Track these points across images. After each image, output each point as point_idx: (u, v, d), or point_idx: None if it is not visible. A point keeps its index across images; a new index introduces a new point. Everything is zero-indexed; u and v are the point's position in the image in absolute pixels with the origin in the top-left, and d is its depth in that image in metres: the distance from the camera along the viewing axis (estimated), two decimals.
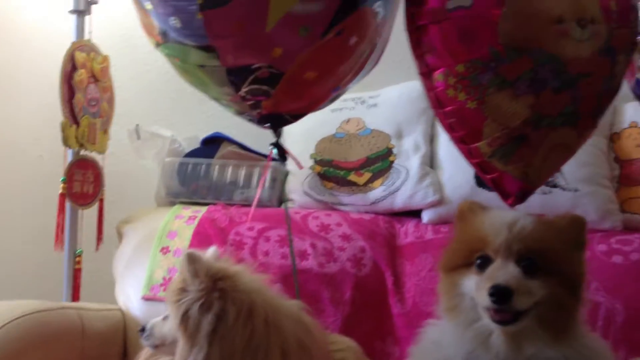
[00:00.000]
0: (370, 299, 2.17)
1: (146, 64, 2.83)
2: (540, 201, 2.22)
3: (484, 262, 1.24)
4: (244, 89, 1.56)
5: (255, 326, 1.47)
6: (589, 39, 1.53)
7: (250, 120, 1.76)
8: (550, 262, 1.23)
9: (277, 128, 1.73)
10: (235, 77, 1.55)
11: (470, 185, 2.31)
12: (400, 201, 2.40)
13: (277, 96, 1.58)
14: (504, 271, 1.20)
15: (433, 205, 2.35)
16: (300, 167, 2.22)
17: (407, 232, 2.33)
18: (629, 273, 2.00)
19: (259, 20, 1.44)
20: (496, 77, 1.47)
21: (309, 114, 1.82)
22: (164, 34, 1.54)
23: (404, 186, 2.41)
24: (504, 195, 1.62)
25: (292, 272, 2.17)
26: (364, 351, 1.85)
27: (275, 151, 1.77)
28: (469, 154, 1.61)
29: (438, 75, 1.52)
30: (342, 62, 1.58)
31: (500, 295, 1.17)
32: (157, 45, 1.60)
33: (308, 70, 1.54)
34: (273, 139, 2.63)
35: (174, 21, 1.48)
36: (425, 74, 1.57)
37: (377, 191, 2.42)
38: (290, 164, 2.57)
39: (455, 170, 2.36)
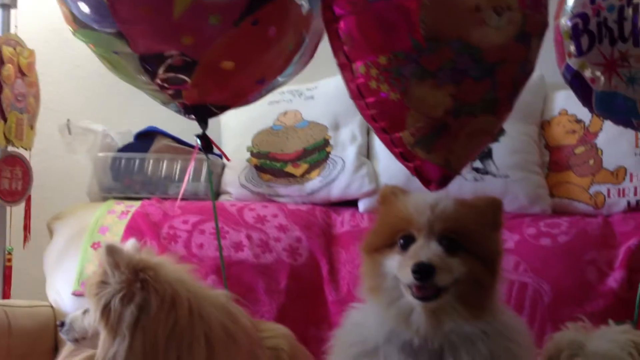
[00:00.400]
0: (305, 288, 2.17)
1: (78, 58, 2.76)
2: (472, 188, 2.26)
3: (407, 242, 1.25)
4: (159, 77, 1.54)
5: (179, 316, 1.45)
6: (505, 26, 1.54)
7: (177, 111, 1.74)
8: (469, 241, 1.25)
9: (202, 119, 1.71)
10: (149, 64, 1.53)
11: (405, 174, 2.32)
12: (336, 191, 2.41)
13: (196, 85, 1.56)
14: (426, 249, 1.21)
15: (369, 194, 2.36)
16: (228, 159, 2.21)
17: (343, 221, 2.34)
18: (556, 255, 2.05)
19: (166, 7, 1.43)
20: (418, 68, 1.48)
21: (238, 106, 1.81)
22: (77, 20, 1.52)
23: (340, 176, 2.42)
24: (426, 182, 1.64)
25: (227, 263, 2.16)
26: (299, 338, 1.85)
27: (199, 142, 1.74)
28: (392, 144, 1.62)
29: (360, 67, 1.52)
30: (262, 53, 1.56)
31: (423, 272, 1.18)
32: (74, 32, 1.57)
33: (224, 59, 1.53)
34: (210, 133, 2.68)
35: (82, 7, 1.47)
36: (345, 65, 1.57)
37: (314, 182, 2.43)
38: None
39: (391, 160, 2.34)
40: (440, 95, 1.50)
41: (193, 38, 1.47)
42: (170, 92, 1.59)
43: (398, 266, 1.24)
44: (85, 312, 1.54)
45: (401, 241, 1.26)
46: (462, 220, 1.25)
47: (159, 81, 1.56)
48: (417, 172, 1.62)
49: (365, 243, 1.33)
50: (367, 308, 1.34)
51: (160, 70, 1.53)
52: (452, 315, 1.24)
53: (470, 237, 1.25)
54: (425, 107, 1.50)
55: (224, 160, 2.56)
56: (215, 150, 1.89)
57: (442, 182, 1.63)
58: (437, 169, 1.61)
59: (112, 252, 1.45)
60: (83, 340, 1.55)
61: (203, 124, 1.71)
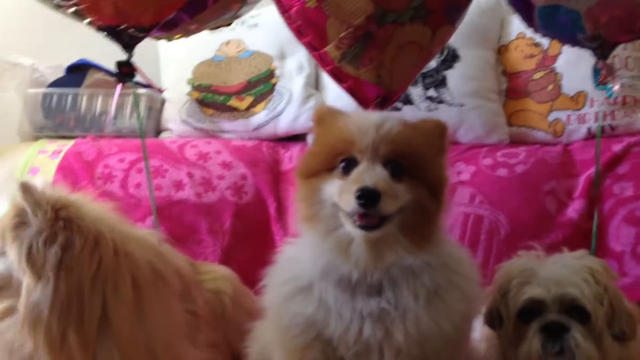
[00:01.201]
0: (251, 227, 2.06)
1: None
2: (426, 117, 2.15)
3: (349, 165, 1.13)
4: None
5: (103, 255, 1.34)
6: None
7: (105, 36, 1.58)
8: (416, 166, 1.14)
9: (127, 45, 1.55)
10: None
11: (355, 106, 2.21)
12: (283, 125, 2.29)
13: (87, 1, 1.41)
14: (371, 173, 1.10)
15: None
16: (159, 91, 2.06)
17: (291, 157, 2.22)
18: (513, 186, 1.96)
19: None
20: None
21: (165, 33, 1.65)
22: None
23: (287, 109, 2.30)
24: (364, 103, 1.52)
25: (167, 204, 2.05)
26: (246, 280, 1.75)
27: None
28: (322, 61, 1.50)
29: None
30: None
31: (368, 197, 1.07)
32: None
33: None
34: (149, 66, 2.51)
35: None
36: None
37: (260, 116, 2.31)
38: (166, 91, 2.42)
39: (341, 90, 2.25)
40: (359, 0, 1.38)
41: None
42: (70, 9, 1.42)
43: (339, 192, 1.13)
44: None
45: (342, 164, 1.14)
46: (409, 143, 1.15)
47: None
48: (352, 92, 1.50)
49: (300, 167, 1.22)
50: (302, 241, 1.23)
51: None
52: (395, 247, 1.14)
53: (417, 161, 1.15)
54: (344, 13, 1.39)
55: (164, 94, 2.41)
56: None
57: (380, 103, 1.51)
58: (371, 87, 1.50)
59: (28, 189, 1.32)
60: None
61: (127, 49, 1.54)
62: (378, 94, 1.50)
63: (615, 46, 1.59)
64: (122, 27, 1.52)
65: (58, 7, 1.45)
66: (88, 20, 1.48)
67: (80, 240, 1.32)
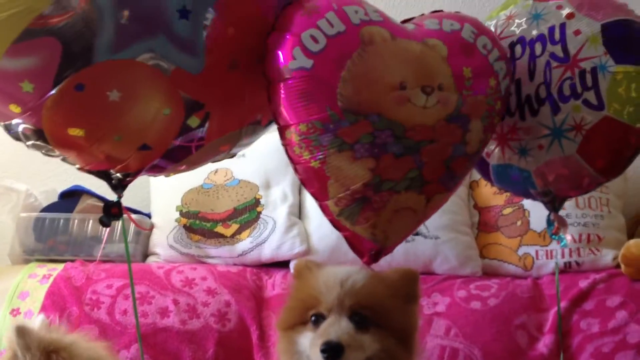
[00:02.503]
0: (234, 355, 2.11)
1: None
2: (402, 249, 2.24)
3: (318, 319, 1.23)
4: (28, 144, 1.48)
5: None
6: (435, 106, 1.52)
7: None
8: (381, 317, 1.23)
9: (114, 185, 1.64)
10: (10, 131, 1.47)
11: (337, 235, 2.30)
12: (267, 252, 2.37)
13: (65, 152, 1.48)
14: (336, 327, 1.19)
15: (300, 255, 2.33)
16: (144, 229, 2.13)
17: (274, 283, 2.29)
18: (486, 319, 2.04)
19: None
20: (336, 139, 1.46)
21: (155, 174, 1.74)
22: None
23: (271, 237, 2.38)
24: (359, 254, 1.61)
25: (152, 331, 2.09)
26: None
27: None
28: (323, 210, 1.60)
29: (287, 132, 1.50)
30: (111, 119, 1.41)
31: (332, 351, 1.16)
32: None
33: (68, 127, 1.41)
34: (140, 191, 2.61)
35: None
36: (281, 128, 1.54)
37: (245, 243, 2.39)
38: (155, 217, 2.51)
39: (323, 219, 2.32)
40: (358, 168, 1.48)
41: (18, 106, 1.37)
42: (57, 157, 1.52)
43: (310, 345, 1.22)
44: None
45: (312, 318, 1.24)
46: (373, 295, 1.24)
47: (32, 148, 1.49)
48: (349, 242, 1.60)
49: (279, 320, 1.31)
50: None
51: (22, 138, 1.46)
52: None
53: (382, 312, 1.24)
54: (343, 177, 1.48)
55: (153, 219, 2.50)
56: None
57: (375, 256, 1.60)
58: (366, 241, 1.58)
59: (22, 333, 1.38)
60: None
61: (116, 190, 1.63)
62: (372, 247, 1.56)
63: (564, 200, 1.73)
64: (109, 171, 1.61)
65: (47, 155, 1.54)
66: (77, 166, 1.56)
67: None
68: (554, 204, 1.71)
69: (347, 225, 1.55)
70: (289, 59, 1.44)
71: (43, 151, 1.52)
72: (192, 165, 1.75)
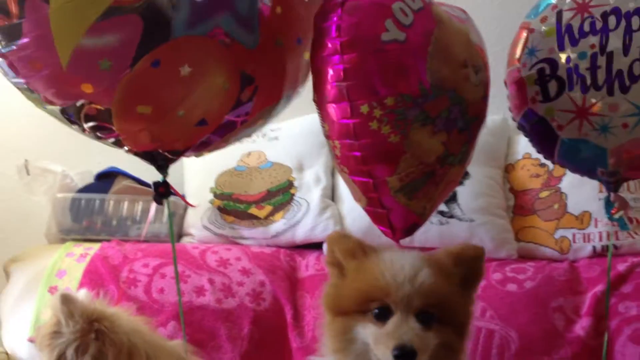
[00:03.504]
0: (269, 334, 2.12)
1: None
2: (437, 231, 2.25)
3: (383, 313, 1.20)
4: (85, 127, 1.50)
5: None
6: (479, 85, 1.59)
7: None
8: (446, 314, 1.21)
9: (159, 166, 1.66)
10: (69, 115, 1.50)
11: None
12: (301, 234, 2.38)
13: (125, 132, 1.51)
14: (406, 328, 1.16)
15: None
16: (191, 205, 2.16)
17: (308, 264, 2.30)
18: (522, 301, 2.03)
19: (51, 58, 1.37)
20: (421, 113, 1.48)
21: (195, 151, 1.75)
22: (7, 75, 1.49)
23: (304, 219, 2.39)
24: (391, 230, 1.62)
25: (188, 309, 2.11)
26: None
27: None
28: (372, 188, 1.59)
29: (362, 107, 1.49)
30: (180, 94, 1.47)
31: (406, 357, 1.14)
32: None
33: (138, 104, 1.45)
34: (174, 174, 2.63)
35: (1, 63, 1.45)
36: (341, 103, 1.52)
37: (278, 224, 2.39)
38: (189, 198, 2.53)
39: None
40: (434, 142, 1.51)
41: (92, 85, 1.42)
42: (110, 140, 1.54)
43: (374, 340, 1.19)
44: None
45: (376, 311, 1.20)
46: (441, 294, 1.21)
47: (89, 131, 1.51)
48: (382, 219, 1.60)
49: (330, 303, 1.27)
50: None
51: (82, 121, 1.49)
52: None
53: (447, 309, 1.21)
54: (420, 151, 1.51)
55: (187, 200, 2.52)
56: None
57: (410, 230, 1.61)
58: (410, 217, 1.60)
59: (66, 301, 1.40)
60: None
61: (161, 170, 1.65)
62: (412, 222, 1.60)
63: (627, 180, 1.70)
64: (156, 151, 1.63)
65: (98, 138, 1.56)
66: (126, 148, 1.58)
67: (113, 352, 1.39)
68: (617, 184, 1.66)
69: (400, 200, 1.56)
70: (381, 29, 1.45)
71: (99, 133, 1.54)
72: (230, 142, 1.78)
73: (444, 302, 1.20)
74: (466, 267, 1.26)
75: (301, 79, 1.72)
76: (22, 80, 1.46)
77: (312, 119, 2.50)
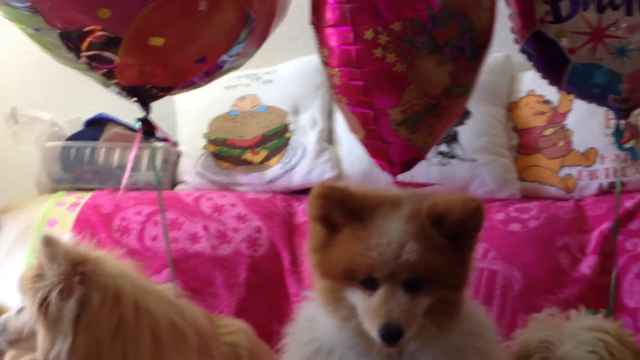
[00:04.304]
0: (266, 280, 2.08)
1: (24, 44, 2.59)
2: (438, 172, 2.19)
3: (370, 282, 1.12)
4: (84, 55, 1.44)
5: (124, 311, 1.36)
6: (489, 10, 1.52)
7: (118, 93, 1.63)
8: (436, 277, 1.13)
9: (144, 102, 1.60)
10: (70, 41, 1.43)
11: (368, 160, 2.25)
12: (297, 178, 2.32)
13: (125, 64, 1.46)
14: (393, 303, 1.09)
15: (332, 181, 2.27)
16: (175, 145, 2.10)
17: (305, 209, 2.22)
18: (526, 241, 1.98)
19: None
20: (429, 41, 1.41)
21: (184, 88, 1.70)
22: None
23: (301, 163, 2.33)
24: (390, 165, 1.55)
25: (183, 256, 2.07)
26: (260, 333, 1.76)
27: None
28: (372, 120, 1.52)
29: (367, 32, 1.41)
30: (195, 28, 1.46)
31: (392, 336, 1.08)
32: None
33: (152, 36, 1.43)
34: (167, 120, 2.56)
35: None
36: (344, 27, 1.45)
37: (274, 169, 2.33)
38: (183, 144, 2.47)
39: (354, 144, 2.27)
40: (442, 72, 1.44)
41: (110, 11, 1.38)
42: (102, 71, 1.48)
43: (361, 310, 1.13)
44: (20, 310, 1.43)
45: (362, 278, 1.13)
46: (428, 265, 1.12)
47: (85, 59, 1.45)
48: (379, 153, 1.53)
49: (318, 266, 1.19)
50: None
51: (83, 48, 1.43)
52: (421, 335, 1.14)
53: (437, 276, 1.13)
54: (426, 82, 1.44)
55: (180, 147, 2.46)
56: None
57: (409, 165, 1.55)
58: (411, 151, 1.54)
59: (48, 243, 1.35)
60: (19, 342, 1.44)
61: (145, 107, 1.59)
62: (415, 156, 1.55)
63: (638, 107, 1.60)
64: (143, 86, 1.57)
65: (91, 68, 1.49)
66: (114, 81, 1.52)
67: (98, 296, 1.35)
68: (629, 111, 1.57)
69: (402, 134, 1.50)
70: None
71: (95, 63, 1.49)
72: (212, 81, 1.74)
73: (431, 271, 1.12)
74: (454, 228, 1.13)
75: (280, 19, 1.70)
76: None
77: (308, 60, 2.45)
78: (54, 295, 1.33)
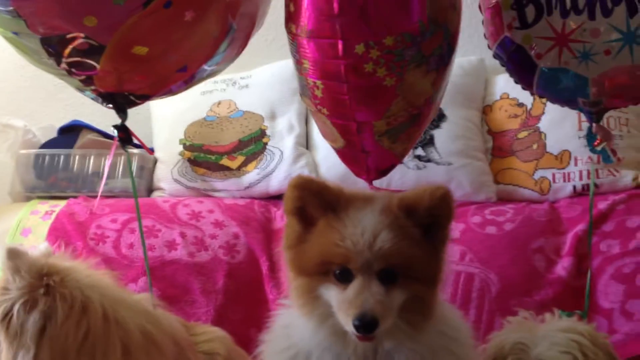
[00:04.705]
0: (244, 287, 2.06)
1: None
2: (414, 176, 2.20)
3: (344, 275, 1.13)
4: (65, 61, 1.43)
5: (91, 323, 1.34)
6: (459, 11, 1.53)
7: (94, 99, 1.62)
8: (410, 268, 1.14)
9: (120, 108, 1.59)
10: (51, 47, 1.42)
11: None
12: (275, 184, 2.32)
13: (106, 72, 1.45)
14: (367, 294, 1.09)
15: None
16: (150, 152, 2.09)
17: (283, 215, 2.23)
18: (502, 243, 1.99)
19: None
20: (418, 53, 1.41)
21: (161, 96, 1.69)
22: None
23: (278, 168, 2.32)
24: (367, 172, 1.56)
25: (160, 263, 2.05)
26: (239, 340, 1.75)
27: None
28: (355, 131, 1.52)
29: (358, 47, 1.40)
30: (179, 38, 1.46)
31: (366, 326, 1.08)
32: None
33: (136, 44, 1.42)
34: (142, 126, 2.54)
35: None
36: (331, 41, 1.43)
37: (251, 175, 2.33)
38: (158, 151, 2.45)
39: (331, 149, 2.27)
40: (425, 83, 1.45)
41: (97, 19, 1.37)
42: (80, 77, 1.46)
43: (336, 304, 1.13)
44: None
45: (337, 271, 1.14)
46: (402, 253, 1.13)
47: (65, 66, 1.43)
48: (363, 162, 1.54)
49: (292, 262, 1.20)
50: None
51: (65, 54, 1.42)
52: (395, 334, 1.16)
53: (411, 267, 1.14)
54: (411, 94, 1.44)
55: (156, 154, 2.44)
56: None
57: (386, 171, 1.55)
58: (393, 158, 1.55)
59: (12, 255, 1.34)
60: None
61: (122, 113, 1.58)
62: (393, 163, 1.56)
63: (608, 110, 1.63)
64: (120, 93, 1.56)
65: (69, 74, 1.48)
66: (91, 87, 1.51)
67: (63, 308, 1.33)
68: (599, 114, 1.59)
69: (384, 144, 1.51)
70: None
71: (75, 69, 1.48)
72: (188, 88, 1.74)
73: (405, 262, 1.13)
74: (425, 217, 1.14)
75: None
76: (6, 2, 1.37)
77: (284, 65, 2.44)
78: (16, 308, 1.31)
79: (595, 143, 1.62)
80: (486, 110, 2.40)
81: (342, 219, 1.15)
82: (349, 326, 1.10)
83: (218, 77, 2.48)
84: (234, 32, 1.58)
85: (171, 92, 1.70)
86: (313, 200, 1.16)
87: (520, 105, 2.31)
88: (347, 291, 1.12)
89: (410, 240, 1.14)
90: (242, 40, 1.67)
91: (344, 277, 1.13)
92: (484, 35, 1.70)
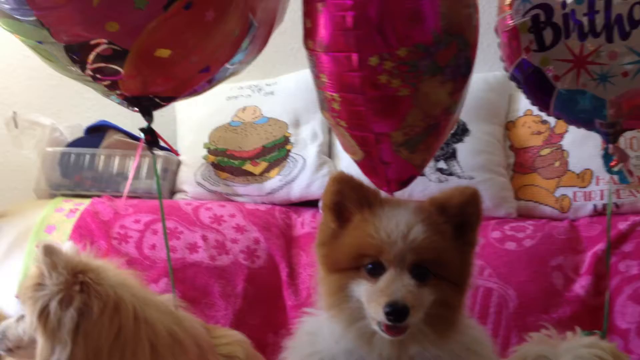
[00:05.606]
0: (263, 292, 2.08)
1: (26, 48, 2.63)
2: (436, 189, 2.20)
3: (376, 269, 1.15)
4: (90, 67, 1.45)
5: (123, 321, 1.37)
6: (476, 24, 1.54)
7: (120, 103, 1.65)
8: (441, 267, 1.16)
9: (146, 112, 1.61)
10: (76, 54, 1.44)
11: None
12: (297, 191, 2.33)
13: (130, 76, 1.47)
14: (398, 284, 1.12)
15: None
16: (176, 153, 2.11)
17: (303, 222, 2.26)
18: (521, 260, 2.00)
19: None
20: (432, 64, 1.42)
21: (185, 97, 1.71)
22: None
23: (300, 176, 2.34)
24: (387, 183, 1.57)
25: (181, 266, 2.07)
26: (257, 344, 1.77)
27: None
28: (373, 142, 1.53)
29: (372, 59, 1.42)
30: (201, 39, 1.47)
31: (398, 314, 1.10)
32: None
33: (158, 47, 1.43)
34: (167, 129, 2.57)
35: None
36: (346, 54, 1.45)
37: (274, 181, 2.35)
38: (183, 154, 2.48)
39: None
40: (442, 93, 1.46)
41: (118, 24, 1.38)
42: (105, 83, 1.49)
43: (367, 297, 1.15)
44: (20, 318, 1.44)
45: (369, 266, 1.16)
46: (434, 249, 1.16)
47: (90, 72, 1.45)
48: (375, 172, 1.55)
49: (325, 259, 1.22)
50: (322, 318, 1.25)
51: (89, 60, 1.44)
52: (420, 339, 1.17)
53: (442, 264, 1.17)
54: (428, 104, 1.45)
55: (180, 157, 2.47)
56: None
57: (406, 182, 1.56)
58: (411, 169, 1.56)
59: (49, 252, 1.36)
60: (18, 349, 1.45)
61: (147, 116, 1.60)
62: (412, 174, 1.55)
63: (625, 131, 1.64)
64: (145, 96, 1.59)
65: (95, 80, 1.50)
66: (116, 92, 1.53)
67: (98, 305, 1.36)
68: (616, 136, 1.60)
69: (402, 154, 1.52)
70: None
71: (99, 75, 1.49)
72: (212, 88, 1.75)
73: (437, 257, 1.16)
74: (456, 215, 1.19)
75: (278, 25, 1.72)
76: (30, 12, 1.38)
77: (309, 74, 2.44)
78: (53, 304, 1.34)
79: (612, 164, 1.63)
80: (509, 126, 2.41)
81: (377, 214, 1.18)
82: (379, 315, 1.11)
83: (243, 83, 2.52)
84: (255, 29, 1.59)
85: (196, 93, 1.71)
86: (351, 195, 1.20)
87: (544, 122, 2.32)
88: (378, 283, 1.14)
89: (442, 236, 1.17)
90: (264, 37, 1.68)
91: (375, 271, 1.15)
92: (500, 58, 1.72)
